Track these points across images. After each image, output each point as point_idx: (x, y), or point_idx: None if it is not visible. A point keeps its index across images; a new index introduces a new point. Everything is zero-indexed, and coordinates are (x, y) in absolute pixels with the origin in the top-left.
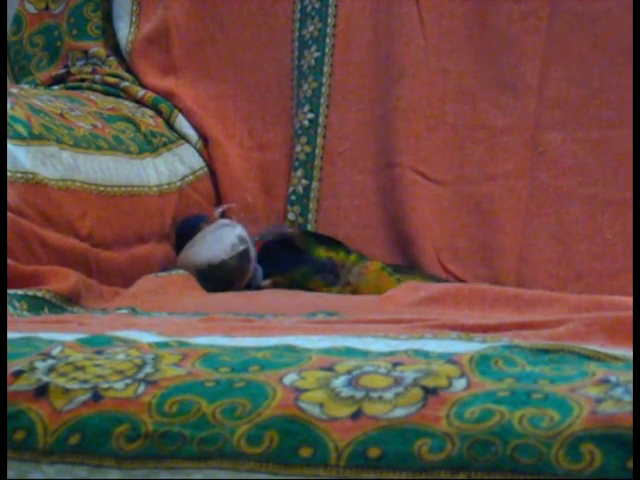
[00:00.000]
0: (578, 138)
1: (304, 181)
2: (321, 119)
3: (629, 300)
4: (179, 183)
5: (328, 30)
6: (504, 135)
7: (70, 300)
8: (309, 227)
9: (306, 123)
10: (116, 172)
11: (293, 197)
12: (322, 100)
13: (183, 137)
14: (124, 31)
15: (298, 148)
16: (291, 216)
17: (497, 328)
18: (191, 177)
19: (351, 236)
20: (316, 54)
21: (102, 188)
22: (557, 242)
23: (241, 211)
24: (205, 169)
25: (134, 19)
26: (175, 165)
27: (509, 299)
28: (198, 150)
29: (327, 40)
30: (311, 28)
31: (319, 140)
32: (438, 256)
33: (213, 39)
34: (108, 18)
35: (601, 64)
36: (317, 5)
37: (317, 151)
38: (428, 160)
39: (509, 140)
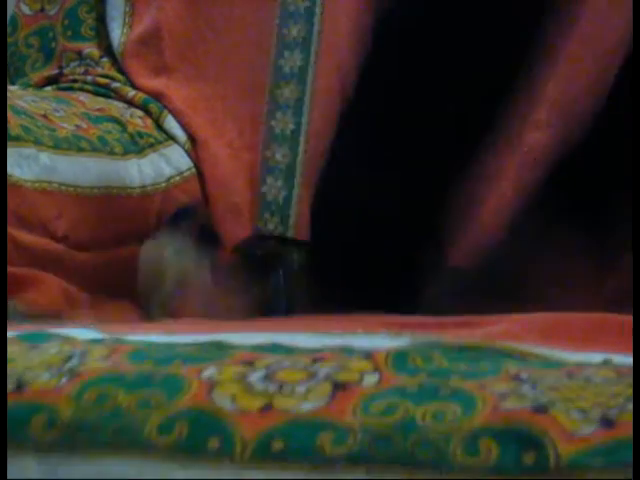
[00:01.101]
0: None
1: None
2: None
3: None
4: (164, 184)
5: (314, 31)
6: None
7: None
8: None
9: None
10: (96, 173)
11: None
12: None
13: (172, 138)
14: (117, 32)
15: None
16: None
17: (433, 326)
18: (177, 178)
19: None
20: (300, 56)
21: (80, 190)
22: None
23: (227, 212)
24: (193, 170)
25: (127, 20)
26: (161, 166)
27: None
28: (186, 151)
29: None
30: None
31: None
32: None
33: (204, 40)
34: (102, 19)
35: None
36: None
37: None
38: None
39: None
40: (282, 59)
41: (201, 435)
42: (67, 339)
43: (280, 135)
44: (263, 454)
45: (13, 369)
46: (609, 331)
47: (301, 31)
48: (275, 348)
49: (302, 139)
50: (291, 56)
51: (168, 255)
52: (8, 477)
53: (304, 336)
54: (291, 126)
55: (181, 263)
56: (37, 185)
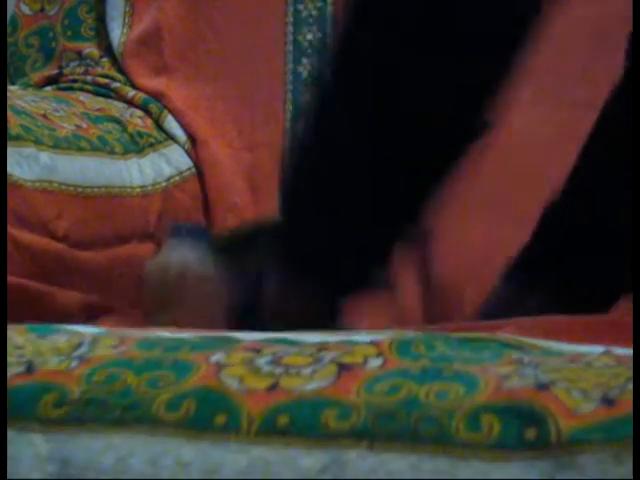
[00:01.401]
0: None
1: None
2: None
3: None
4: (164, 184)
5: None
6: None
7: None
8: None
9: None
10: (96, 173)
11: None
12: None
13: (172, 137)
14: (116, 32)
15: None
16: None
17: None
18: (177, 178)
19: None
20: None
21: (80, 189)
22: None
23: (227, 212)
24: (193, 170)
25: (127, 20)
26: (161, 166)
27: None
28: (186, 151)
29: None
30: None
31: None
32: None
33: (204, 39)
34: (102, 19)
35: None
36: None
37: None
38: None
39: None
40: (300, 65)
41: (208, 412)
42: (75, 332)
43: None
44: (269, 429)
45: (22, 354)
46: (611, 331)
47: (316, 35)
48: (281, 340)
49: None
50: (308, 61)
51: (174, 271)
52: (15, 453)
53: (308, 334)
54: None
55: (188, 276)
56: (37, 185)
